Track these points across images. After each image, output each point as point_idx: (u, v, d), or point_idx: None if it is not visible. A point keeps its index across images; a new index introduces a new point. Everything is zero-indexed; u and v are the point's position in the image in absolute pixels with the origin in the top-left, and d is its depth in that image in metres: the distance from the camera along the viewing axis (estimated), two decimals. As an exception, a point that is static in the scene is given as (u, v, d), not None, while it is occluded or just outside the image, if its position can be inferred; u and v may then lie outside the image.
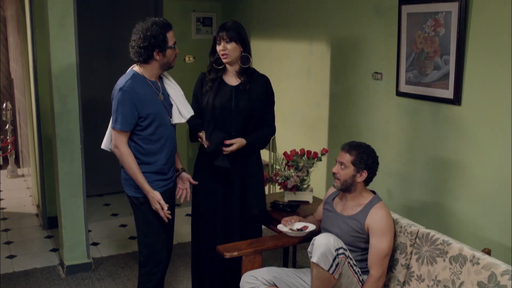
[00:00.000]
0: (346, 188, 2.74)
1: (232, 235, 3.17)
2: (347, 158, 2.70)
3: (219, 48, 3.04)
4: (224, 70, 3.12)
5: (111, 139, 2.96)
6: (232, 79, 3.12)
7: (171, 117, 2.97)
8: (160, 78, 2.99)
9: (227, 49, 3.01)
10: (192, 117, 3.10)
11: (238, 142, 3.04)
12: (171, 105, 2.99)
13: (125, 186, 2.98)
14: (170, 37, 2.84)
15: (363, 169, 2.69)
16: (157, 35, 2.77)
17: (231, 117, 3.08)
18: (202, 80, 3.19)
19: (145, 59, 2.83)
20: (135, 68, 2.90)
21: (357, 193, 2.74)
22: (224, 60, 3.05)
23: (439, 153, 3.20)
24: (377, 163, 2.74)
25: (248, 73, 3.09)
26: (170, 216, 2.94)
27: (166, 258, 3.07)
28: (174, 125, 3.01)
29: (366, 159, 2.68)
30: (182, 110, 3.01)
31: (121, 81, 2.85)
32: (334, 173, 2.75)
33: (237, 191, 3.16)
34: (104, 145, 3.03)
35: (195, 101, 3.21)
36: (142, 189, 2.86)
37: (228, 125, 3.08)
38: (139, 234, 3.03)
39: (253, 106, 3.08)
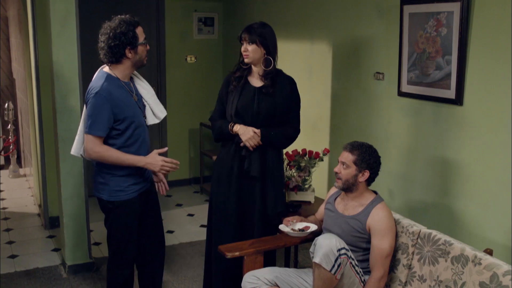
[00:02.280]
0: (348, 188, 2.74)
1: (246, 236, 3.14)
2: (349, 157, 2.70)
3: (242, 48, 3.06)
4: (250, 70, 3.13)
5: (82, 144, 2.90)
6: (256, 80, 3.13)
7: (145, 118, 2.96)
8: (130, 78, 2.95)
9: (247, 50, 3.03)
10: (218, 116, 3.15)
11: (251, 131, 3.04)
12: (144, 105, 2.96)
13: (98, 191, 2.91)
14: (140, 33, 2.81)
15: (365, 169, 2.69)
16: (127, 32, 2.74)
17: (252, 118, 3.08)
18: (228, 80, 3.20)
19: (117, 59, 2.78)
20: (106, 69, 2.84)
21: (359, 193, 2.74)
22: (245, 60, 3.07)
23: (441, 153, 3.20)
24: (379, 163, 2.74)
25: (272, 76, 3.08)
26: (177, 165, 2.88)
27: (133, 256, 3.05)
28: (147, 126, 2.99)
29: (368, 159, 2.68)
30: (155, 111, 2.99)
31: (96, 84, 2.77)
32: (336, 173, 2.75)
33: (254, 193, 3.15)
34: (75, 151, 2.97)
35: (220, 102, 3.22)
36: (139, 165, 2.80)
37: (249, 125, 3.08)
38: (110, 234, 2.99)
39: (275, 108, 3.09)
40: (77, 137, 2.96)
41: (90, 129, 2.74)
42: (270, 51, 3.06)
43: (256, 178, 3.13)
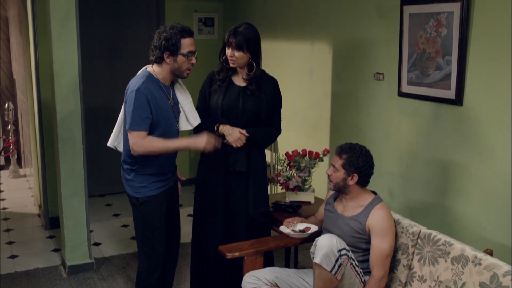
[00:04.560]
0: (340, 190, 2.75)
1: (235, 236, 3.16)
2: (338, 161, 2.71)
3: (227, 52, 3.04)
4: (234, 70, 3.13)
5: (117, 136, 2.99)
6: (240, 80, 3.14)
7: (177, 123, 2.98)
8: (173, 83, 2.99)
9: (234, 56, 3.02)
10: (201, 115, 3.13)
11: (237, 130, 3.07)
12: (179, 111, 3.00)
13: (125, 186, 2.99)
14: (186, 44, 2.81)
15: (353, 173, 2.68)
16: (170, 38, 2.77)
17: (237, 118, 3.10)
18: (211, 78, 3.20)
19: (155, 59, 2.84)
20: (149, 69, 2.90)
21: (355, 194, 2.74)
22: (231, 65, 3.07)
23: (441, 153, 3.20)
24: (370, 166, 2.72)
25: (256, 79, 3.10)
26: (218, 146, 2.92)
27: (164, 257, 3.08)
28: (178, 131, 3.02)
29: (356, 163, 2.67)
30: (190, 118, 3.03)
31: (136, 81, 2.83)
32: (328, 175, 2.76)
33: (240, 191, 3.17)
34: (110, 143, 3.05)
35: (202, 100, 3.22)
36: (187, 147, 2.90)
37: (234, 125, 3.09)
38: (137, 233, 3.05)
39: (260, 108, 3.11)
40: (114, 130, 3.02)
41: (132, 126, 2.78)
42: (256, 54, 3.07)
43: (241, 176, 3.15)
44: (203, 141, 2.84)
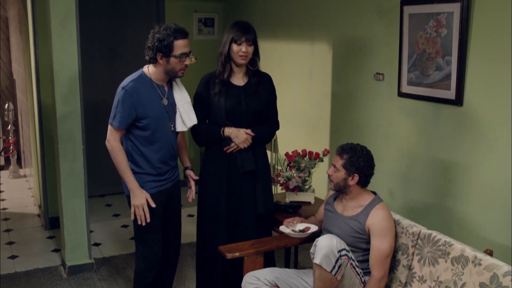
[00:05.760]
0: (340, 190, 2.75)
1: (243, 236, 3.15)
2: (339, 161, 2.71)
3: (238, 48, 3.00)
4: (231, 71, 3.12)
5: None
6: (239, 80, 3.13)
7: (172, 123, 2.96)
8: (170, 83, 2.98)
9: (247, 52, 3.02)
10: (201, 120, 3.11)
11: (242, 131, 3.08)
12: (175, 111, 2.98)
13: (123, 185, 3.00)
14: (179, 46, 2.80)
15: (354, 173, 2.68)
16: (163, 40, 2.76)
17: (241, 118, 3.10)
18: (207, 82, 3.16)
19: (150, 60, 2.85)
20: (145, 68, 2.91)
21: (355, 194, 2.74)
22: (242, 62, 3.04)
23: (441, 153, 3.20)
24: (371, 166, 2.72)
25: (257, 74, 3.12)
26: (147, 220, 2.89)
27: (162, 257, 3.07)
28: (175, 132, 3.01)
29: (356, 163, 2.67)
30: (184, 118, 2.99)
31: (127, 80, 2.88)
32: (328, 175, 2.76)
33: (247, 191, 3.17)
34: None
35: (202, 105, 3.15)
36: (128, 186, 2.87)
37: (238, 126, 3.09)
38: (134, 233, 3.06)
39: (262, 106, 3.13)
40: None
41: (111, 120, 2.86)
42: (257, 48, 3.10)
43: (248, 176, 3.14)
44: (138, 200, 2.85)
